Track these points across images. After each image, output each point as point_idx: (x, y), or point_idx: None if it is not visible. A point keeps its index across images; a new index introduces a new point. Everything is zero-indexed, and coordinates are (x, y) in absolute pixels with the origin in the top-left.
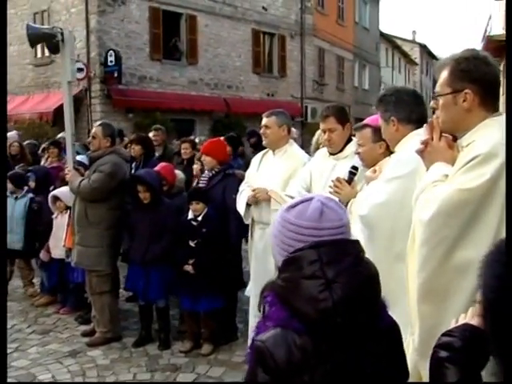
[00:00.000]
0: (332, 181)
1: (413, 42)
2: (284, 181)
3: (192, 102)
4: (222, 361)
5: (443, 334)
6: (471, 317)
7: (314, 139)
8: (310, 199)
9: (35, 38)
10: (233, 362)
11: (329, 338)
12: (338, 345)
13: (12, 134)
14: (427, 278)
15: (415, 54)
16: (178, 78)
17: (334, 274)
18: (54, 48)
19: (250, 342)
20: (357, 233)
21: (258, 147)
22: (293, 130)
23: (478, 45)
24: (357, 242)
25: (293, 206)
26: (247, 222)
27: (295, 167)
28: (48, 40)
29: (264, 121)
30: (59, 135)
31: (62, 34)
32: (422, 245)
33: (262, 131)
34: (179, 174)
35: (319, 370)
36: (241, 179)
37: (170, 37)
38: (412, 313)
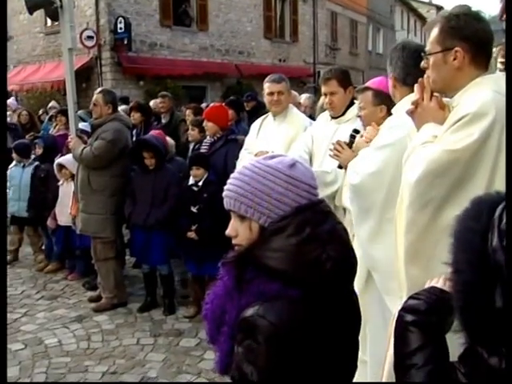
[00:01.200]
0: (332, 144)
1: (429, 3)
2: (285, 146)
3: (203, 68)
4: None
5: (409, 297)
6: (444, 282)
7: (319, 103)
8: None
9: (33, 4)
10: None
11: (325, 301)
12: (331, 306)
13: (10, 101)
14: (414, 239)
15: (432, 16)
16: (188, 44)
17: (326, 236)
18: (54, 15)
19: None
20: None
21: (256, 112)
22: (295, 93)
23: (496, 5)
24: (324, 202)
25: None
26: None
27: (296, 132)
28: (47, 6)
29: (276, 87)
30: (50, 104)
31: (60, 0)
32: (409, 206)
33: (273, 98)
34: (169, 140)
35: (321, 333)
36: (243, 145)
37: (180, 3)
38: (400, 275)
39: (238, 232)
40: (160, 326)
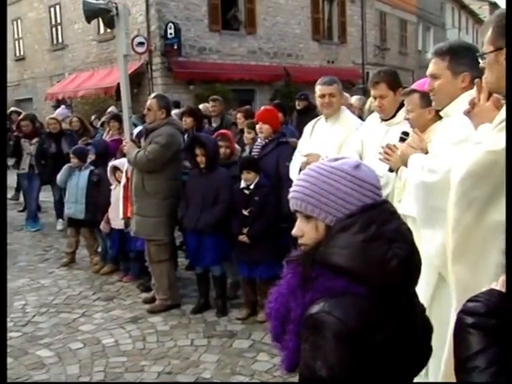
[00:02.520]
0: (382, 147)
1: None
2: (337, 147)
3: (252, 71)
4: None
5: (468, 300)
6: (502, 285)
7: (367, 105)
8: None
9: (91, 13)
10: None
11: (392, 299)
12: (398, 305)
13: (61, 111)
14: (460, 239)
15: (484, 12)
16: (237, 48)
17: (392, 234)
18: (110, 23)
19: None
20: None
21: (306, 112)
22: (346, 95)
23: None
24: (389, 202)
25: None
26: None
27: (348, 134)
28: (103, 15)
29: (328, 89)
30: (109, 109)
31: (116, 8)
32: (455, 205)
33: (325, 100)
34: (236, 146)
35: (386, 331)
36: (294, 147)
37: (229, 7)
38: (450, 275)
39: (304, 232)
40: (213, 327)
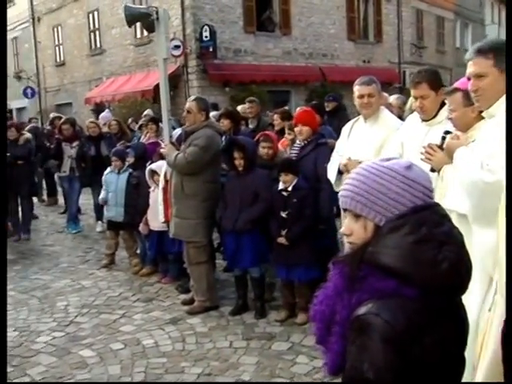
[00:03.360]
0: (423, 147)
1: None
2: (376, 149)
3: (287, 72)
4: None
5: None
6: None
7: (408, 105)
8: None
9: (132, 17)
10: None
11: (441, 303)
12: (447, 310)
13: (105, 115)
14: None
15: None
16: (272, 49)
17: (443, 236)
18: (150, 27)
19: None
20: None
21: (336, 113)
22: (385, 94)
23: None
24: (440, 205)
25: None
26: (338, 189)
27: (388, 134)
28: (144, 19)
29: (366, 89)
30: (145, 112)
31: (156, 12)
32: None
33: (363, 100)
34: (280, 148)
35: (435, 335)
36: (332, 148)
37: (263, 9)
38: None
39: (353, 231)
40: (252, 329)
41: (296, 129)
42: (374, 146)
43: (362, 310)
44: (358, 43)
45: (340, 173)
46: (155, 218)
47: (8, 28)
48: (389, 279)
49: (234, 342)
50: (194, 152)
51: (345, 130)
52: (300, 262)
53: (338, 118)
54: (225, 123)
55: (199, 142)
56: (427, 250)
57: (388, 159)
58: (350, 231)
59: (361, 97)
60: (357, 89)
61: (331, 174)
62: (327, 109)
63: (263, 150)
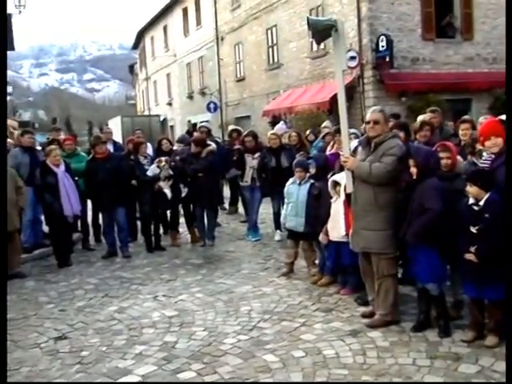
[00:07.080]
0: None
1: None
2: None
3: (468, 79)
4: None
5: None
6: None
7: None
8: None
9: (320, 38)
10: None
11: None
12: None
13: (280, 126)
14: None
15: None
16: (452, 56)
17: None
18: (318, 39)
19: None
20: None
21: None
22: None
23: None
24: None
25: None
26: None
27: None
28: (328, 31)
29: None
30: (324, 124)
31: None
32: None
33: None
34: (459, 158)
35: None
36: None
37: (443, 14)
38: None
39: None
40: (436, 347)
41: (487, 143)
42: None
43: None
44: None
45: None
46: (335, 228)
47: (195, 48)
48: None
49: (417, 359)
50: (392, 161)
51: None
52: (491, 280)
53: None
54: (400, 134)
55: (395, 151)
56: None
57: None
58: None
59: None
60: None
61: None
62: None
63: (442, 160)
